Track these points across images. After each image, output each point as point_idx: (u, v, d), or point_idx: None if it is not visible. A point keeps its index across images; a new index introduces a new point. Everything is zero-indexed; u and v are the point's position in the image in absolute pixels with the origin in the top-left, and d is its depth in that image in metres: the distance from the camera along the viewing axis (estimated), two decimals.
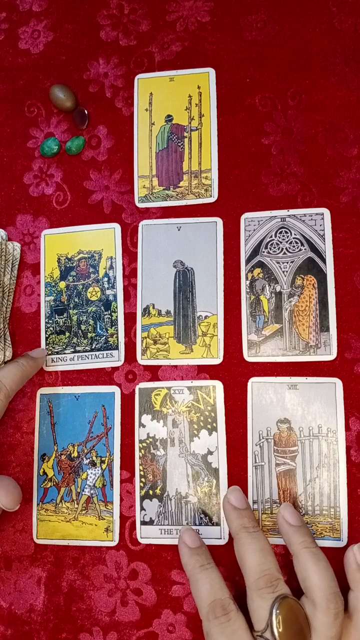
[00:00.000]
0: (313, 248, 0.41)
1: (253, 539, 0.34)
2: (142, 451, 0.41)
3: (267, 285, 0.41)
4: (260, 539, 0.34)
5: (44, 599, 0.41)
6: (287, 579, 0.34)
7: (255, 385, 0.40)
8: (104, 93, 0.46)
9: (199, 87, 0.45)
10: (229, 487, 0.39)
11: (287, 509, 0.36)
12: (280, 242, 0.42)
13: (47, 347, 0.44)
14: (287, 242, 0.42)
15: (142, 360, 0.42)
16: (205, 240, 0.43)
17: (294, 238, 0.42)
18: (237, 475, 0.40)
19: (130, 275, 0.44)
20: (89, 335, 0.43)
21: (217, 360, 0.41)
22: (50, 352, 0.44)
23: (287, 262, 0.42)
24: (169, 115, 0.45)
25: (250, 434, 0.40)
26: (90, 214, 0.45)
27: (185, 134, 0.45)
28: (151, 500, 0.40)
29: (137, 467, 0.41)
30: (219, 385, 0.41)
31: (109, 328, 0.43)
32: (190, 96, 0.45)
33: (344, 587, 0.34)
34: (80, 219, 0.45)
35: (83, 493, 0.41)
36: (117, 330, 0.43)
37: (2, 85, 0.48)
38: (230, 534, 0.39)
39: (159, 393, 0.42)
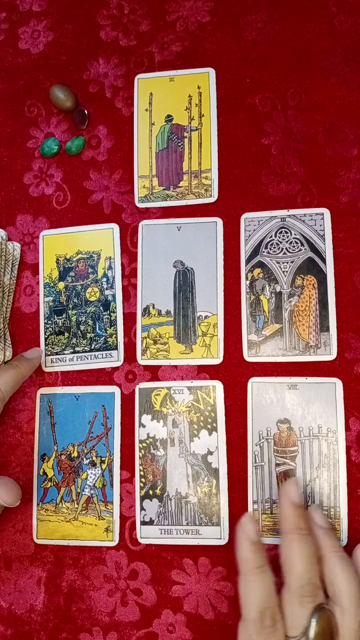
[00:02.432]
0: (313, 248, 0.41)
1: (305, 544, 0.34)
2: (142, 451, 0.41)
3: (267, 285, 0.41)
4: (311, 545, 0.34)
5: (44, 599, 0.41)
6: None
7: (255, 385, 0.40)
8: (104, 93, 0.46)
9: (199, 87, 0.45)
10: (229, 487, 0.39)
11: (316, 511, 0.36)
12: (280, 242, 0.42)
13: (47, 347, 0.44)
14: (287, 242, 0.42)
15: (142, 360, 0.42)
16: (205, 240, 0.43)
17: (294, 238, 0.42)
18: (237, 475, 0.40)
19: (130, 275, 0.44)
20: (88, 335, 0.43)
21: (217, 360, 0.41)
22: (49, 353, 0.44)
23: (287, 262, 0.42)
24: (169, 115, 0.45)
25: (250, 434, 0.40)
26: (90, 214, 0.45)
27: (185, 134, 0.45)
28: (151, 500, 0.40)
29: (137, 467, 0.41)
30: (219, 385, 0.41)
31: (107, 328, 0.43)
32: (190, 96, 0.45)
33: None
34: (80, 219, 0.45)
35: (83, 493, 0.41)
36: (116, 330, 0.43)
37: (2, 85, 0.48)
38: (230, 534, 0.39)
39: (159, 393, 0.42)
